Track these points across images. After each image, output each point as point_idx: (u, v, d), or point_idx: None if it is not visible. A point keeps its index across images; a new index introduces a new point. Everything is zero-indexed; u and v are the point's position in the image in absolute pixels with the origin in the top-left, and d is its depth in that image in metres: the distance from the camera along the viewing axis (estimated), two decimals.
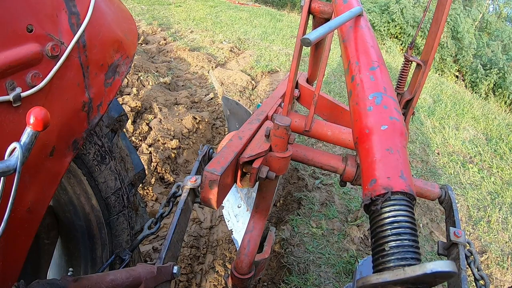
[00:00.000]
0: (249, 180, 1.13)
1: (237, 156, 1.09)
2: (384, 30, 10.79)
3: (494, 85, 10.08)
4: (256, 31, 8.03)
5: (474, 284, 1.10)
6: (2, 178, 0.63)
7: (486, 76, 10.04)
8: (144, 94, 4.03)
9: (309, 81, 2.10)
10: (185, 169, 3.37)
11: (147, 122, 3.59)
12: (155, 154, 3.15)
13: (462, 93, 7.39)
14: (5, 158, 0.65)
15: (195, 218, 2.85)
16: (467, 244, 1.15)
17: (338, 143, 1.65)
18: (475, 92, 9.34)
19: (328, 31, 0.89)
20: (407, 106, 1.62)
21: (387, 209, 0.60)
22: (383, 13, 11.03)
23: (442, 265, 0.46)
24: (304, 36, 0.81)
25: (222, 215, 2.84)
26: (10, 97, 0.72)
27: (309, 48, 1.94)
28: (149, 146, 3.23)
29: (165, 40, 6.54)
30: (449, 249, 1.19)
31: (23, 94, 0.75)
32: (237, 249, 2.46)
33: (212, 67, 5.59)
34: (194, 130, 3.75)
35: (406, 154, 0.70)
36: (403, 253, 0.55)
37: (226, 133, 3.81)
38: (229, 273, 1.57)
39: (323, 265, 2.48)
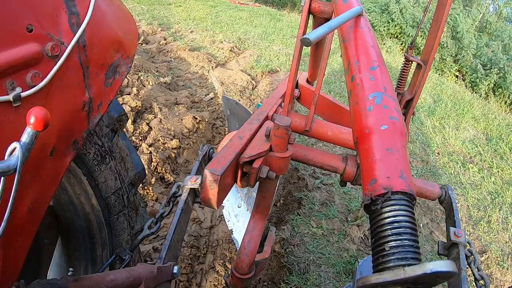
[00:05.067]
0: (249, 180, 1.13)
1: (237, 156, 1.09)
2: (384, 30, 10.78)
3: (494, 85, 10.07)
4: (256, 31, 8.03)
5: (474, 284, 1.10)
6: (2, 178, 0.63)
7: (486, 76, 10.03)
8: (144, 94, 4.03)
9: (309, 81, 2.10)
10: (185, 169, 3.37)
11: (147, 122, 3.58)
12: (155, 154, 3.15)
13: (462, 93, 7.39)
14: (5, 158, 0.65)
15: (195, 218, 2.85)
16: (467, 244, 1.15)
17: (338, 143, 1.65)
18: (475, 92, 9.33)
19: (328, 31, 0.89)
20: (407, 106, 1.62)
21: (387, 209, 0.60)
22: (383, 13, 11.02)
23: (442, 265, 0.46)
24: (304, 36, 0.81)
25: (222, 215, 2.84)
26: (10, 97, 0.73)
27: (309, 48, 1.94)
28: (149, 146, 3.23)
29: (165, 40, 6.54)
30: (449, 249, 1.19)
31: (23, 94, 0.75)
32: (237, 249, 2.46)
33: (212, 67, 5.59)
34: (194, 130, 3.75)
35: (406, 154, 0.70)
36: (403, 253, 0.55)
37: (226, 133, 3.81)
38: (230, 273, 1.57)
39: (323, 265, 2.48)
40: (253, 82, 5.21)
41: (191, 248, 2.53)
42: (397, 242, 0.56)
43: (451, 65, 10.54)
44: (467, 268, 1.09)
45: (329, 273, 2.43)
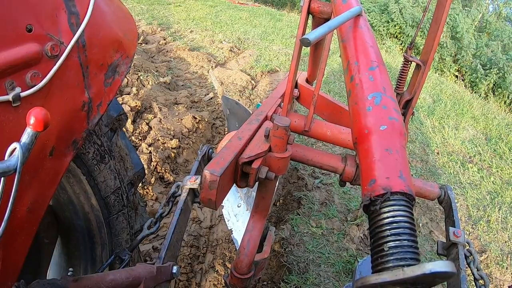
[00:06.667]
0: (248, 181, 1.13)
1: (236, 156, 1.09)
2: (383, 30, 10.79)
3: (494, 85, 10.08)
4: (256, 30, 8.02)
5: (473, 283, 1.10)
6: (2, 178, 0.63)
7: (486, 76, 10.04)
8: (144, 93, 4.03)
9: (308, 81, 2.10)
10: (185, 169, 3.37)
11: (147, 122, 3.58)
12: (155, 154, 3.15)
13: (462, 93, 7.39)
14: (5, 158, 0.65)
15: (195, 218, 2.85)
16: (466, 244, 1.15)
17: (338, 143, 1.64)
18: (475, 92, 9.34)
19: (327, 31, 0.89)
20: (406, 106, 1.62)
21: (386, 209, 0.60)
22: (382, 13, 11.02)
23: (441, 265, 0.46)
24: (303, 36, 0.81)
25: (222, 214, 2.85)
26: (9, 97, 0.72)
27: (309, 47, 1.94)
28: (149, 145, 3.23)
29: (164, 39, 6.54)
30: (448, 249, 1.19)
31: (23, 94, 0.75)
32: (237, 248, 2.46)
33: (212, 66, 5.59)
34: (194, 129, 3.75)
35: (405, 154, 0.70)
36: (402, 253, 0.55)
37: (226, 132, 3.81)
38: (229, 273, 1.57)
39: (323, 264, 2.48)
40: (252, 82, 5.21)
41: (190, 247, 2.53)
42: (396, 242, 0.56)
43: (451, 65, 10.54)
44: (466, 268, 1.09)
45: (328, 273, 2.43)
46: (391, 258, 0.55)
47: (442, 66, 10.46)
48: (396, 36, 10.90)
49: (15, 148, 0.65)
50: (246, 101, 4.68)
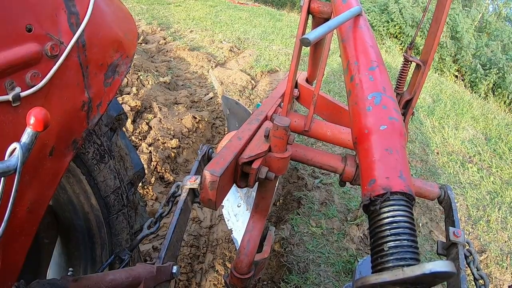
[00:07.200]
0: (248, 181, 1.13)
1: (236, 156, 1.09)
2: (383, 30, 10.79)
3: (494, 85, 10.08)
4: (256, 30, 8.02)
5: (473, 283, 1.10)
6: (2, 178, 0.63)
7: (486, 76, 10.05)
8: (144, 93, 4.03)
9: (308, 80, 2.10)
10: (185, 169, 3.37)
11: (147, 122, 3.58)
12: (155, 154, 3.15)
13: (462, 93, 7.39)
14: (5, 158, 0.65)
15: (195, 217, 2.85)
16: (466, 244, 1.15)
17: (338, 143, 1.65)
18: (475, 92, 9.35)
19: (327, 31, 0.89)
20: (406, 106, 1.62)
21: (386, 209, 0.60)
22: (382, 13, 11.02)
23: (441, 265, 0.46)
24: (303, 36, 0.81)
25: (222, 214, 2.85)
26: (9, 96, 0.72)
27: (309, 47, 1.94)
28: (149, 145, 3.23)
29: (164, 39, 6.53)
30: (448, 249, 1.19)
31: (23, 94, 0.75)
32: (237, 248, 2.46)
33: (211, 66, 5.59)
34: (194, 129, 3.74)
35: (405, 154, 0.71)
36: (402, 253, 0.55)
37: (226, 132, 3.81)
38: (229, 273, 1.57)
39: (323, 264, 2.48)
40: (252, 81, 5.21)
41: (190, 247, 2.53)
42: (396, 242, 0.56)
43: (451, 65, 10.54)
44: (466, 268, 1.09)
45: (328, 272, 2.43)
46: (391, 258, 0.55)
47: (442, 66, 10.46)
48: (396, 36, 10.90)
49: (15, 148, 0.65)
50: (246, 101, 4.68)
